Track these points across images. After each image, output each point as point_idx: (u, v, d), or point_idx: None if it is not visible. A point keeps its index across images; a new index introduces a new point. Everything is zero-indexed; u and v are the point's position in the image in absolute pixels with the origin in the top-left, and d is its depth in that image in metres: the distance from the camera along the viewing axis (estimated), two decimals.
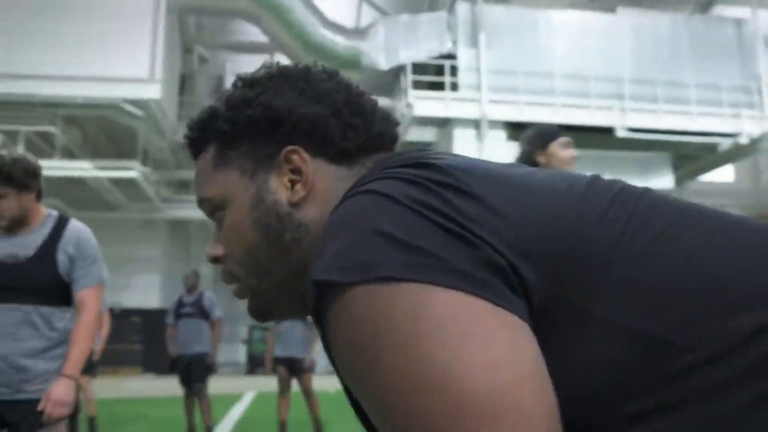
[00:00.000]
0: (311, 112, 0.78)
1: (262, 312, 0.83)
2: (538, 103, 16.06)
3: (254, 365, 22.42)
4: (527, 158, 3.10)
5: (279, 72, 0.83)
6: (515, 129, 15.79)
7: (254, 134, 0.79)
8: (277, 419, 6.99)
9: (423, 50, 17.05)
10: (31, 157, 2.53)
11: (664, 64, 17.33)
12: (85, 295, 2.52)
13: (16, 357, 2.42)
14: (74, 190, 19.64)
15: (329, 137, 0.78)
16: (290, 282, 0.78)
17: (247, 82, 0.83)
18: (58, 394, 2.37)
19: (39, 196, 2.55)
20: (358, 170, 0.78)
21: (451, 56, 17.01)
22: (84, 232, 2.61)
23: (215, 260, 0.82)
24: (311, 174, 0.77)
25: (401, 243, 0.57)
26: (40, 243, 2.50)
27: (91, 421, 7.09)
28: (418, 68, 16.99)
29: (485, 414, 0.49)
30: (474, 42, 16.92)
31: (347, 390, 0.65)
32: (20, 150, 15.61)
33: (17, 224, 2.49)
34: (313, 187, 0.77)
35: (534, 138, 3.16)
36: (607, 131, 16.33)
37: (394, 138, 0.84)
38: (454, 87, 16.67)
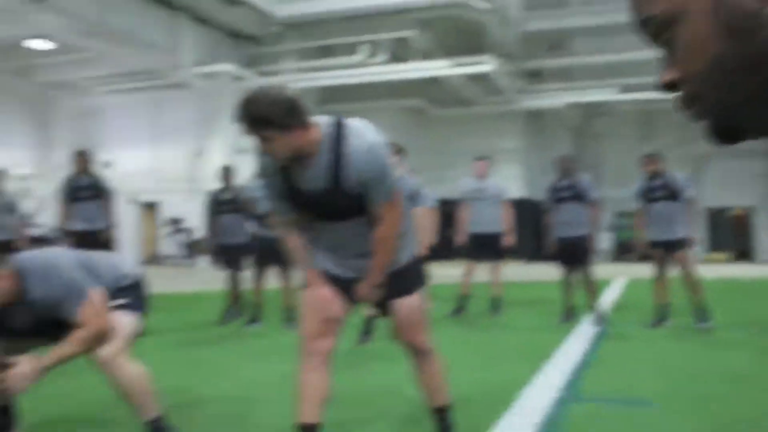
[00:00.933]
0: None
1: (731, 132, 0.74)
2: None
3: (622, 252, 22.12)
4: None
5: None
6: None
7: None
8: (653, 304, 6.83)
9: None
10: (287, 89, 2.40)
11: None
12: (382, 209, 2.51)
13: (361, 261, 2.62)
14: (433, 90, 20.85)
15: None
16: None
17: None
18: (359, 295, 2.64)
19: (305, 123, 2.40)
20: None
21: None
22: (366, 148, 2.43)
23: (671, 86, 0.76)
24: None
25: None
26: (328, 175, 2.45)
27: (495, 301, 7.80)
28: None
29: None
30: None
31: None
32: (381, 57, 16.91)
33: (299, 155, 2.43)
34: None
35: None
36: None
37: None
38: None
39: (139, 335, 3.06)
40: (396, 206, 2.56)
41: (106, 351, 2.79)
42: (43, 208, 17.57)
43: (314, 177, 2.47)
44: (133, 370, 2.85)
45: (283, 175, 2.53)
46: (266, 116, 2.32)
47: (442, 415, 2.92)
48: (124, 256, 3.41)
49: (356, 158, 2.42)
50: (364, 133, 2.46)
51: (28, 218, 15.61)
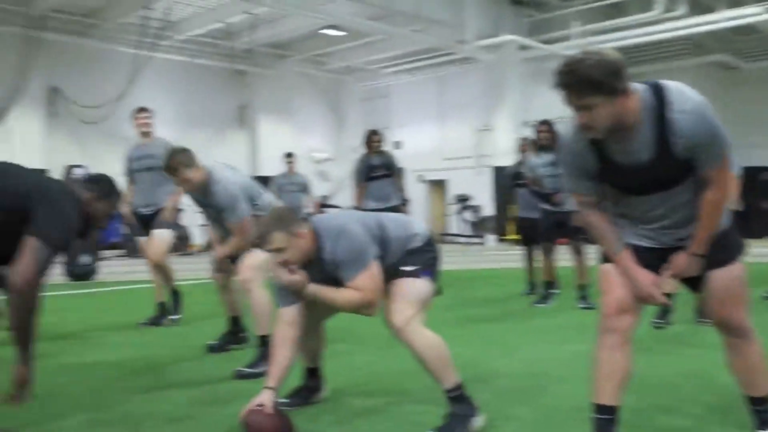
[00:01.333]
0: None
1: None
2: None
3: None
4: None
5: None
6: None
7: None
8: None
9: None
10: (610, 52, 2.29)
11: None
12: (712, 173, 2.37)
13: (678, 231, 2.53)
14: (744, 41, 19.05)
15: None
16: None
17: None
18: (675, 267, 2.52)
19: (627, 90, 2.30)
20: None
21: None
22: (692, 110, 2.31)
23: None
24: None
25: None
26: (654, 145, 2.35)
27: None
28: None
29: None
30: None
31: None
32: (680, 10, 15.74)
33: (617, 126, 2.33)
34: None
35: None
36: None
37: None
38: None
39: (434, 297, 3.19)
40: (727, 169, 2.41)
41: (399, 318, 2.99)
42: (340, 189, 19.21)
43: (637, 149, 2.38)
44: (428, 336, 3.02)
45: (596, 151, 2.46)
46: (594, 79, 2.23)
47: (760, 406, 2.70)
48: (414, 218, 3.61)
49: (683, 124, 2.30)
50: (687, 95, 2.34)
51: (323, 198, 17.19)
